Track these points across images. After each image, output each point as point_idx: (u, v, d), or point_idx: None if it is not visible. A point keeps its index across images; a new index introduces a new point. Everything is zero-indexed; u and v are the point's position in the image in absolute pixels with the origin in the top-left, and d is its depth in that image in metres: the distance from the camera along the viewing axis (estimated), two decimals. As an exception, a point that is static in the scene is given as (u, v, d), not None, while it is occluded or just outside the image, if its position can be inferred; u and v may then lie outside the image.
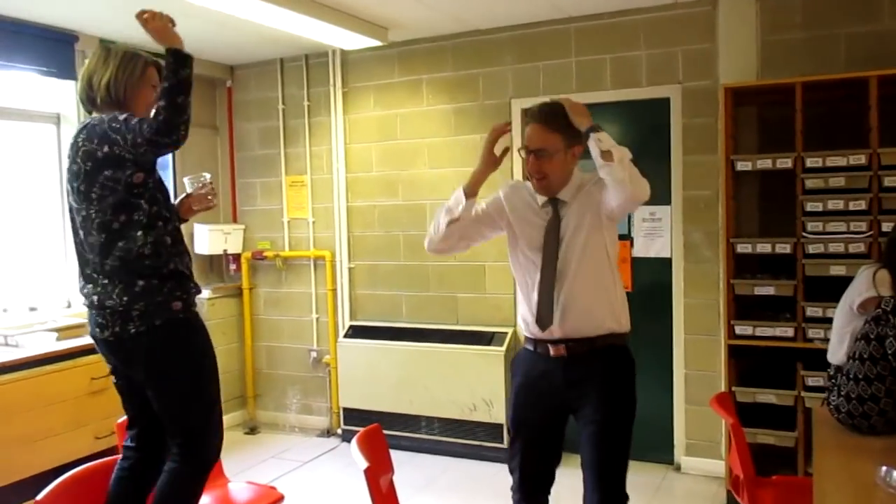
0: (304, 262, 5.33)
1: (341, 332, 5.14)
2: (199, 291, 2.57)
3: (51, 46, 4.22)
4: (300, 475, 4.51)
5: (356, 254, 5.17)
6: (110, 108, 2.43)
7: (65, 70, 4.31)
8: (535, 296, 2.55)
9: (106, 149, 2.33)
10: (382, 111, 5.02)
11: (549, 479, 2.67)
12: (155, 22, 2.34)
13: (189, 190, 2.69)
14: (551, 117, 2.54)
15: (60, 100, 4.46)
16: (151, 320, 2.40)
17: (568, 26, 4.45)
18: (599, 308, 2.53)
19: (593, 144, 2.37)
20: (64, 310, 4.45)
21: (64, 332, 3.94)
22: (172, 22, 2.37)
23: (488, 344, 4.62)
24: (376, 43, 4.57)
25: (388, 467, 2.67)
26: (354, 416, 5.00)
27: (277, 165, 5.35)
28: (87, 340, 3.92)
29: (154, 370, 2.47)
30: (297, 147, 5.32)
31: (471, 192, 2.63)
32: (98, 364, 3.84)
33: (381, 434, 2.73)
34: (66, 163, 3.72)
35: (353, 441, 2.53)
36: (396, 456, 2.62)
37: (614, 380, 2.54)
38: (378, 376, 4.89)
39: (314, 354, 5.33)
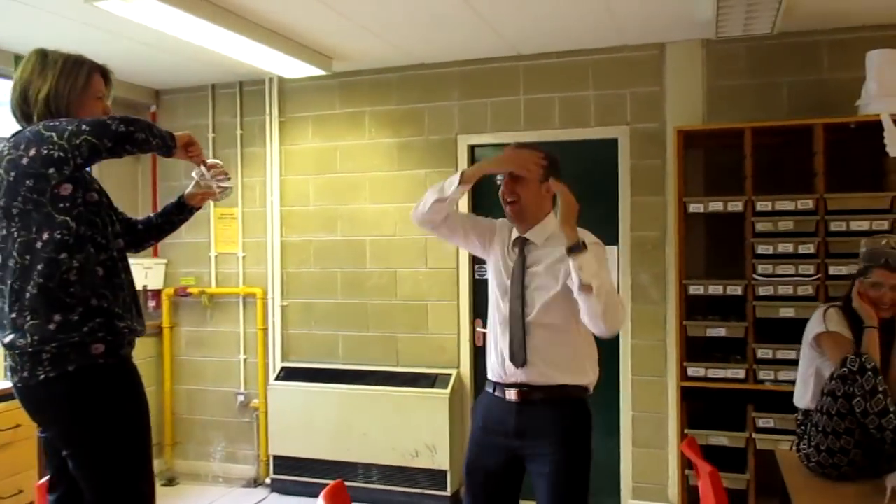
0: (233, 299, 5.02)
1: (272, 375, 4.85)
2: (136, 333, 2.21)
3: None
4: (228, 531, 4.17)
5: (290, 291, 4.91)
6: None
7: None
8: (506, 333, 2.49)
9: (33, 152, 2.00)
10: (321, 143, 4.83)
11: None
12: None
13: (199, 176, 2.44)
14: (532, 146, 2.59)
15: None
16: (64, 365, 2.03)
17: (517, 64, 4.41)
18: (561, 359, 2.47)
19: (573, 269, 2.31)
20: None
21: (-36, 376, 3.51)
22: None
23: (431, 386, 4.44)
24: (319, 72, 4.40)
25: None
26: (286, 465, 4.69)
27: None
28: (-9, 386, 3.54)
29: (65, 426, 2.11)
30: (192, 176, 5.02)
31: (467, 178, 2.52)
32: (4, 414, 3.44)
33: (345, 490, 2.51)
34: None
35: (320, 499, 2.31)
36: None
37: (570, 431, 2.45)
38: (312, 421, 4.61)
39: (241, 398, 4.99)
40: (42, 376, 2.03)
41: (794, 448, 2.82)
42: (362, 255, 4.74)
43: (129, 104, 5.02)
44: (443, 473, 4.36)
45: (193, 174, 2.49)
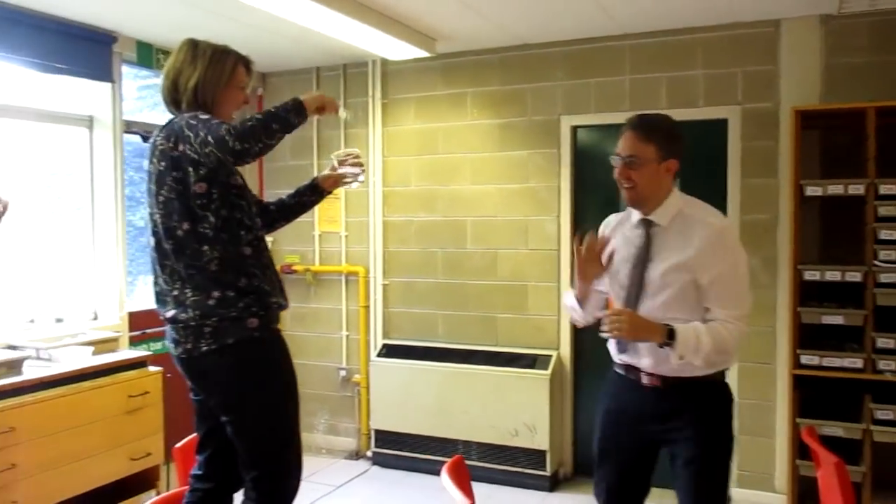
0: (336, 277, 5.16)
1: (373, 351, 4.97)
2: (283, 307, 2.34)
3: (86, 46, 4.04)
4: (334, 500, 4.32)
5: (391, 270, 5.01)
6: (195, 111, 2.26)
7: (100, 72, 4.13)
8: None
9: (181, 147, 2.15)
10: (423, 124, 4.88)
11: None
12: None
13: (335, 164, 2.55)
14: (647, 127, 2.46)
15: (94, 102, 4.28)
16: (224, 338, 2.19)
17: (623, 43, 4.34)
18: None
19: (673, 356, 2.26)
20: (91, 322, 4.25)
21: (98, 345, 3.74)
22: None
23: (531, 367, 4.47)
24: (423, 54, 4.43)
25: (474, 501, 2.51)
26: (386, 439, 4.82)
27: (309, 177, 5.15)
28: (123, 356, 3.77)
29: (225, 394, 2.28)
30: (330, 159, 5.14)
31: (581, 297, 2.55)
32: (135, 381, 3.67)
33: (464, 466, 2.57)
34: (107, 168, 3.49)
35: (443, 473, 2.38)
36: (432, 482, 2.45)
37: (711, 415, 2.40)
38: (412, 398, 4.72)
39: (343, 373, 5.15)
40: (204, 348, 2.19)
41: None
42: (463, 235, 4.79)
43: (237, 87, 5.19)
44: (542, 453, 4.39)
45: (332, 158, 2.58)
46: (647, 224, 2.44)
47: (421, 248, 4.92)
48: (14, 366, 3.28)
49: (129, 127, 4.45)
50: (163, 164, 2.20)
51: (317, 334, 5.23)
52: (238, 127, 2.06)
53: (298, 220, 5.08)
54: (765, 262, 4.10)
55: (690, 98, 4.23)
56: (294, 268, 5.19)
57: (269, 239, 5.25)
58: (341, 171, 2.56)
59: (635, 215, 2.50)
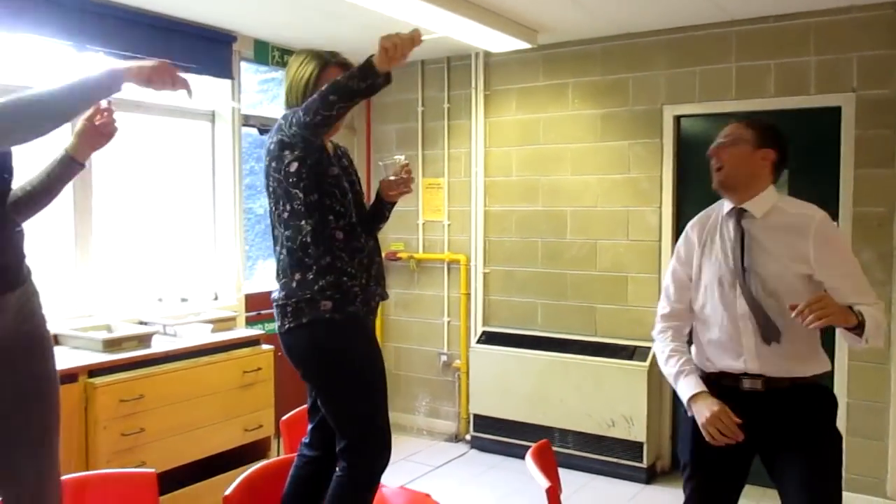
0: (438, 264, 5.31)
1: (473, 338, 5.09)
2: (370, 294, 2.44)
3: (208, 46, 4.34)
4: (433, 480, 4.48)
5: (491, 259, 5.11)
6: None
7: (221, 69, 4.43)
8: (735, 319, 2.32)
9: (276, 138, 2.36)
10: (524, 115, 4.94)
11: None
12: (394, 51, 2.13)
13: (385, 174, 2.62)
14: (754, 118, 2.45)
15: (216, 98, 4.60)
16: (300, 317, 2.35)
17: (729, 30, 4.24)
18: (803, 347, 2.29)
19: (859, 341, 2.18)
20: (212, 302, 4.58)
21: (217, 324, 4.04)
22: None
23: (630, 358, 4.46)
24: (525, 46, 4.48)
25: (560, 485, 2.58)
26: (485, 423, 4.94)
27: (414, 167, 5.32)
28: (239, 334, 4.06)
29: (305, 369, 2.44)
30: (434, 149, 5.31)
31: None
32: (249, 358, 3.93)
33: (551, 450, 2.64)
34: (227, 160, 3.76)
35: (528, 456, 2.46)
36: (526, 467, 2.47)
37: (818, 420, 2.29)
38: (511, 384, 4.81)
39: (444, 358, 5.30)
40: (287, 326, 2.39)
41: None
42: (563, 225, 4.82)
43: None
44: (639, 445, 4.39)
45: (380, 164, 2.66)
46: (738, 213, 2.35)
47: (521, 238, 4.99)
48: (144, 339, 3.61)
49: (247, 120, 4.75)
50: (266, 157, 2.41)
51: (419, 320, 5.41)
52: (305, 104, 2.26)
53: (404, 208, 5.36)
54: (880, 256, 3.91)
55: (801, 85, 4.08)
56: (398, 255, 5.39)
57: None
58: (389, 181, 2.62)
59: (727, 204, 2.41)
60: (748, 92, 4.21)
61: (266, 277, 5.11)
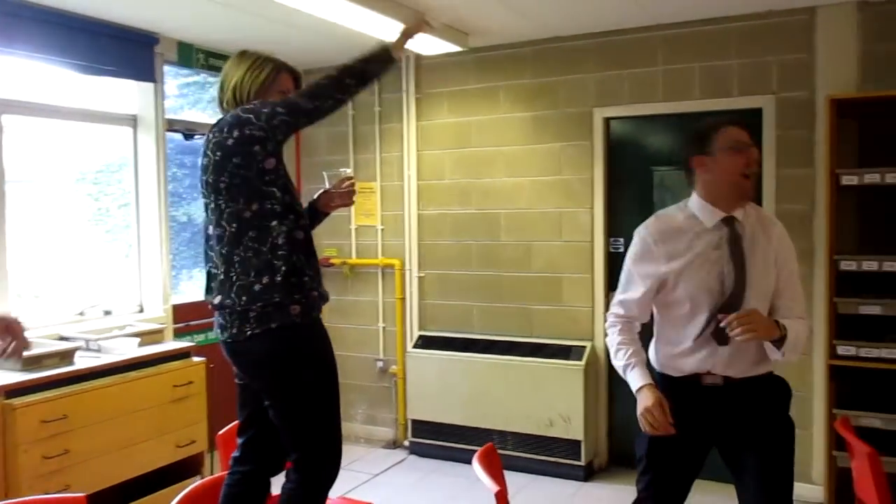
0: (372, 269, 5.25)
1: (410, 343, 5.05)
2: (323, 299, 2.39)
3: (130, 48, 4.17)
4: (373, 489, 4.42)
5: (426, 263, 5.08)
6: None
7: (143, 72, 4.27)
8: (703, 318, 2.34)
9: (236, 133, 2.23)
10: (457, 118, 4.94)
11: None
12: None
13: (328, 185, 2.58)
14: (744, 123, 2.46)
15: (138, 102, 4.42)
16: (267, 323, 2.26)
17: (655, 34, 4.33)
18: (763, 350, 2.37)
19: (776, 353, 2.30)
20: (137, 314, 4.40)
21: (144, 337, 3.88)
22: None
23: (566, 358, 4.50)
24: (456, 49, 4.48)
25: (506, 488, 2.57)
26: (423, 429, 4.91)
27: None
28: (169, 346, 3.91)
29: (267, 378, 2.35)
30: (366, 154, 5.24)
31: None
32: (180, 371, 3.80)
33: (496, 453, 2.64)
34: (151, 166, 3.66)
35: (475, 460, 2.45)
36: (468, 471, 2.47)
37: (773, 410, 2.40)
38: (449, 388, 4.79)
39: (380, 364, 5.24)
40: (249, 332, 2.27)
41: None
42: (497, 227, 4.84)
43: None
44: (577, 443, 4.43)
45: (324, 174, 2.62)
46: (730, 221, 2.36)
47: (456, 241, 4.98)
48: (66, 356, 3.43)
49: (171, 125, 4.59)
50: (218, 153, 2.27)
51: (354, 326, 5.33)
52: (305, 89, 2.21)
53: (336, 213, 5.22)
54: (801, 252, 4.02)
55: (724, 88, 4.21)
56: (332, 261, 5.30)
57: (307, 233, 5.36)
58: (333, 192, 2.60)
59: (708, 215, 2.37)
60: (675, 94, 4.31)
61: (193, 288, 4.95)
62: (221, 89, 2.43)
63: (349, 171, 2.62)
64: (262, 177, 2.26)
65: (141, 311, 4.46)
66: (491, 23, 4.28)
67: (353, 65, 2.26)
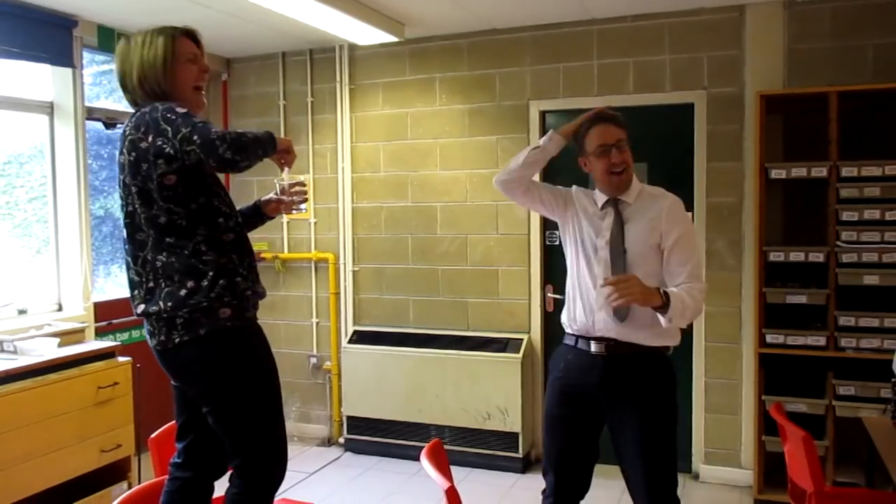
0: (305, 264, 5.13)
1: (344, 338, 4.96)
2: (258, 296, 2.29)
3: (46, 31, 3.93)
4: (308, 487, 4.32)
5: (361, 256, 5.00)
6: (153, 101, 2.17)
7: (61, 57, 4.03)
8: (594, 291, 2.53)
9: (150, 138, 2.07)
10: (392, 109, 4.86)
11: (586, 484, 2.64)
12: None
13: (278, 190, 2.47)
14: (617, 118, 2.63)
15: (56, 89, 4.17)
16: (196, 329, 2.15)
17: (591, 28, 4.37)
18: (651, 317, 2.47)
19: (664, 320, 2.42)
20: (55, 313, 4.17)
21: (64, 337, 3.67)
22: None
23: (503, 350, 4.51)
24: (391, 39, 4.41)
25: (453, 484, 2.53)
26: (358, 425, 4.83)
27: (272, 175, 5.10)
28: (91, 346, 3.71)
29: (202, 385, 2.24)
30: (298, 145, 5.05)
31: (563, 133, 2.69)
32: (104, 372, 3.62)
33: (443, 449, 2.60)
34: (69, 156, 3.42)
35: (423, 457, 2.40)
36: (405, 467, 2.47)
37: (656, 389, 2.52)
38: (385, 383, 4.73)
39: (314, 360, 5.13)
40: (177, 340, 2.15)
41: (890, 415, 2.82)
42: (433, 221, 4.79)
43: (201, 72, 5.10)
44: (515, 436, 4.44)
45: (276, 183, 2.50)
46: (615, 203, 2.60)
47: (391, 235, 4.91)
48: (-22, 358, 3.21)
49: (91, 113, 4.36)
50: (133, 154, 2.13)
51: (287, 322, 5.20)
52: (233, 136, 2.02)
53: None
54: (730, 243, 4.18)
55: (657, 83, 4.28)
56: (263, 255, 5.14)
57: (236, 226, 5.17)
58: (286, 199, 2.51)
59: (600, 198, 2.65)
60: (609, 88, 4.36)
61: (115, 286, 4.72)
62: (126, 88, 2.23)
63: (301, 178, 2.54)
64: (161, 191, 2.11)
65: (60, 309, 4.23)
66: (426, 13, 4.23)
67: (260, 137, 2.11)
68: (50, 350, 3.50)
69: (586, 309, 2.56)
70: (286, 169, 2.33)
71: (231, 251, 2.20)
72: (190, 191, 2.15)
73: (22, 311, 4.02)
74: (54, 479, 3.33)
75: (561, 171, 4.52)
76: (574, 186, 2.76)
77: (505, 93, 4.59)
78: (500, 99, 4.60)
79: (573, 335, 2.61)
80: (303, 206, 2.56)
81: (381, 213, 4.93)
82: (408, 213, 4.86)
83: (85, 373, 3.51)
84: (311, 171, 5.06)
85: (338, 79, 4.94)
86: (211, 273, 2.14)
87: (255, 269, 2.31)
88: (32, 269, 4.19)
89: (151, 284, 2.17)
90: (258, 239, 5.17)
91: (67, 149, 4.19)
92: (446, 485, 2.20)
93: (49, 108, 4.20)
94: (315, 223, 5.09)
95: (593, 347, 2.53)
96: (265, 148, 2.14)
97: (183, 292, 2.13)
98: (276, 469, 2.31)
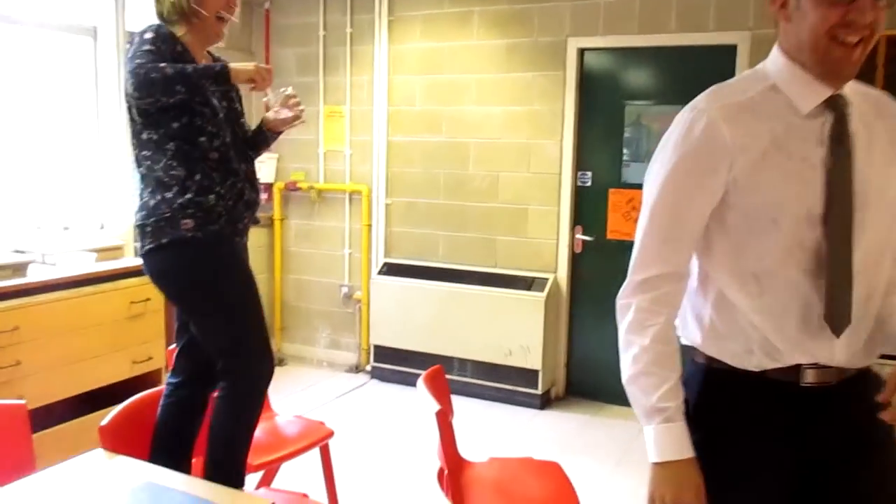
0: (339, 195, 5.20)
1: (374, 269, 5.05)
2: (236, 216, 2.36)
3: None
4: (332, 410, 4.48)
5: (393, 190, 5.04)
6: (182, 23, 2.34)
7: (104, -20, 4.11)
8: (805, 281, 1.37)
9: (130, 55, 2.26)
10: (429, 43, 4.82)
11: None
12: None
13: (272, 106, 2.53)
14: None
15: (98, 13, 4.26)
16: (160, 237, 2.29)
17: (634, -38, 4.23)
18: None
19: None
20: (98, 231, 4.35)
21: (102, 252, 3.84)
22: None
23: (528, 289, 4.53)
24: (430, -31, 4.35)
25: (451, 409, 2.61)
26: (385, 354, 4.95)
27: (315, 94, 5.16)
28: (126, 263, 3.87)
29: (168, 291, 2.44)
30: (336, 76, 5.13)
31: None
32: (137, 288, 3.77)
33: (443, 376, 2.67)
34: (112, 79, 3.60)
35: (420, 382, 2.47)
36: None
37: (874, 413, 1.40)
38: (411, 315, 4.82)
39: (345, 290, 5.25)
40: (147, 247, 2.33)
41: None
42: (465, 157, 4.79)
43: (243, 1, 5.14)
44: (535, 373, 4.50)
45: (265, 101, 2.57)
46: (835, 103, 1.38)
47: (424, 170, 4.93)
48: (19, 269, 3.38)
49: (133, 37, 4.44)
50: (126, 71, 2.28)
51: (320, 251, 5.32)
52: (145, 73, 2.15)
53: (304, 137, 5.17)
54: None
55: (701, 22, 4.13)
56: (299, 185, 5.24)
57: (274, 155, 5.29)
58: (282, 113, 2.55)
59: (803, 99, 1.39)
60: (651, 26, 4.23)
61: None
62: (160, 13, 2.36)
63: (290, 90, 2.58)
64: (139, 112, 2.28)
65: (102, 227, 4.41)
66: (466, -57, 4.15)
67: (190, 73, 2.18)
68: (86, 264, 3.67)
69: (789, 313, 1.40)
70: (269, 90, 2.44)
71: (214, 170, 2.31)
72: (167, 113, 2.26)
73: (66, 228, 4.21)
74: (87, 386, 3.53)
75: (593, 115, 4.46)
76: (708, 123, 1.40)
77: (543, 28, 4.50)
78: (538, 35, 4.51)
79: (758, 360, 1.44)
80: (297, 121, 2.60)
81: (415, 147, 4.94)
82: (441, 149, 4.86)
83: (119, 288, 3.67)
84: (348, 102, 5.09)
85: (377, 10, 4.91)
86: (176, 187, 2.28)
87: (239, 189, 2.38)
88: (77, 188, 4.36)
89: (138, 194, 2.37)
90: (295, 169, 5.27)
91: (110, 71, 4.30)
92: (437, 407, 2.27)
93: (93, 32, 4.30)
94: (350, 155, 5.14)
95: (809, 377, 1.41)
96: (196, 84, 2.20)
97: (152, 203, 2.30)
98: (258, 366, 2.41)
